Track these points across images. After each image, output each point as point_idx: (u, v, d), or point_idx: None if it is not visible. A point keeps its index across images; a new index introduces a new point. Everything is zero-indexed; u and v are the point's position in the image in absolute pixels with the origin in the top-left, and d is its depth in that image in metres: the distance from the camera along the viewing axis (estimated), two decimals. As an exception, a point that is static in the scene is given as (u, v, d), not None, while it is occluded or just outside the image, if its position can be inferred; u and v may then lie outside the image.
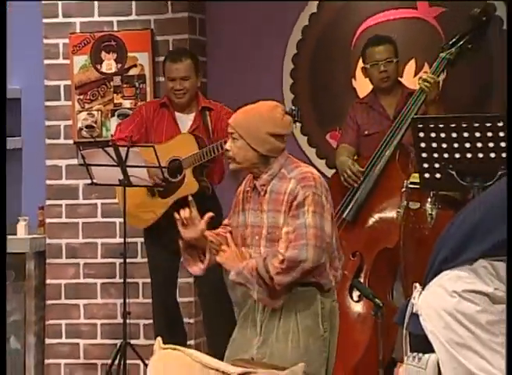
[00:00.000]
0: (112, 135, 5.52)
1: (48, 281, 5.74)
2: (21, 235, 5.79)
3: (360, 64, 5.26)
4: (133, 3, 5.60)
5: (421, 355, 2.68)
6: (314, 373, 3.42)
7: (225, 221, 3.74)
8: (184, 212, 3.58)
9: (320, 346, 3.45)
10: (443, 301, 2.65)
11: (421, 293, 2.76)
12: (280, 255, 3.44)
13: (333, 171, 5.28)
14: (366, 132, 5.03)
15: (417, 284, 2.81)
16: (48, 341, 5.76)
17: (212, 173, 5.10)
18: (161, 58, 5.52)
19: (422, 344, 2.70)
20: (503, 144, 4.01)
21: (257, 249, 3.58)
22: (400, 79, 5.12)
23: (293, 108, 4.51)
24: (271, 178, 3.59)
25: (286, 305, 3.58)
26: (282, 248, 3.52)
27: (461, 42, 4.81)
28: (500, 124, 4.01)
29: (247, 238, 3.59)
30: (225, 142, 4.87)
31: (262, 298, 3.50)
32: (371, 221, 5.01)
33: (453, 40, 4.84)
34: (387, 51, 4.94)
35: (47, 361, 5.76)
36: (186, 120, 5.12)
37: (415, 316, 2.74)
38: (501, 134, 3.99)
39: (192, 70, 5.00)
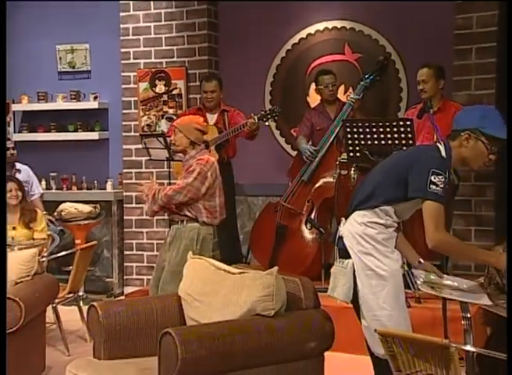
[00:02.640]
0: (162, 130, 5.76)
1: (125, 217, 5.99)
2: (109, 190, 6.09)
3: (312, 86, 5.40)
4: (175, 50, 5.83)
5: (344, 260, 2.79)
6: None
7: None
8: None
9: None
10: (355, 228, 2.78)
11: (343, 224, 2.85)
12: (165, 191, 3.83)
13: (295, 152, 5.42)
14: (318, 128, 5.17)
15: (343, 218, 2.88)
16: (125, 252, 6.00)
17: (227, 149, 5.15)
18: (193, 84, 5.74)
19: (342, 254, 2.82)
20: (395, 136, 4.13)
21: None
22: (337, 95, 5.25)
23: (273, 107, 4.81)
24: (189, 157, 3.94)
25: (177, 234, 3.87)
26: (168, 188, 3.85)
27: (372, 76, 4.98)
28: (394, 123, 4.15)
29: None
30: (235, 131, 4.97)
31: (147, 209, 3.87)
32: (318, 181, 5.12)
33: (368, 74, 5.01)
34: (332, 78, 5.13)
35: (125, 264, 6.01)
36: (212, 117, 5.19)
37: (340, 238, 2.83)
38: (395, 130, 4.13)
39: (217, 87, 5.17)
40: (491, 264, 2.66)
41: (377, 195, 2.77)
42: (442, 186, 2.61)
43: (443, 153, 2.74)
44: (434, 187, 2.61)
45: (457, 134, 2.77)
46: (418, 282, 2.81)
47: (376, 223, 2.77)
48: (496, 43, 4.86)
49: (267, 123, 4.96)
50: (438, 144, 2.80)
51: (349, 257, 2.78)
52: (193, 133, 3.94)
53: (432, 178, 2.62)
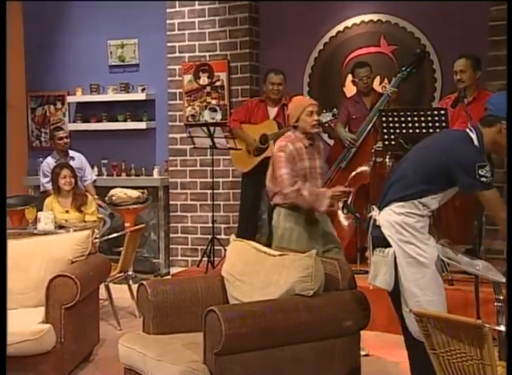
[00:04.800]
0: (205, 120, 5.76)
1: (170, 202, 6.02)
2: (155, 176, 6.11)
3: (348, 78, 5.36)
4: (218, 44, 5.82)
5: (383, 249, 2.71)
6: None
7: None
8: None
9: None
10: (393, 217, 2.72)
11: (378, 212, 2.76)
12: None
13: (332, 141, 5.40)
14: (354, 116, 5.13)
15: (374, 206, 2.83)
16: (171, 235, 6.04)
17: None
18: (234, 76, 5.71)
19: (379, 243, 2.75)
20: (430, 125, 4.06)
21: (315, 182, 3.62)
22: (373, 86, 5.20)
23: (334, 111, 4.47)
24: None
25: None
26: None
27: (409, 68, 4.94)
28: (429, 113, 4.08)
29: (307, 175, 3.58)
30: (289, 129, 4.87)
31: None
32: (356, 168, 5.11)
33: (405, 67, 4.97)
34: (367, 71, 5.07)
35: (171, 246, 6.06)
36: (272, 111, 5.07)
37: (377, 226, 2.75)
38: (429, 119, 4.06)
39: (284, 81, 5.06)
40: None
41: (414, 188, 2.71)
42: (489, 174, 2.61)
43: (476, 142, 2.68)
44: (484, 179, 2.61)
45: (497, 121, 2.66)
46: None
47: (414, 213, 2.73)
48: (506, 37, 4.73)
49: (326, 125, 4.74)
50: (469, 132, 2.71)
51: (387, 246, 2.72)
52: None
53: (480, 172, 2.60)
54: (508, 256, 2.40)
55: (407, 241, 2.71)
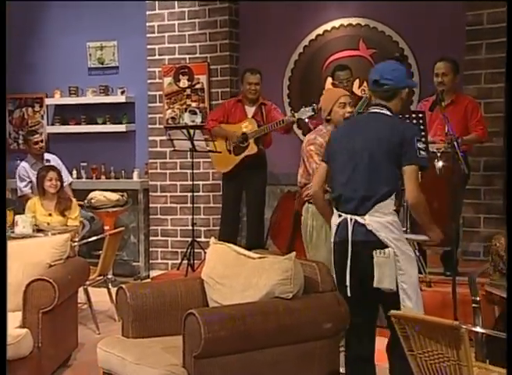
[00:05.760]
0: (185, 123, 5.74)
1: (150, 205, 6.01)
2: (135, 179, 6.11)
3: (328, 80, 5.33)
4: (198, 46, 5.81)
5: (382, 250, 2.68)
6: None
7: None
8: None
9: None
10: (385, 218, 2.74)
11: (362, 217, 2.74)
12: None
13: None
14: None
15: (349, 215, 2.77)
16: (151, 238, 6.03)
17: (264, 142, 5.03)
18: (214, 78, 5.71)
19: (377, 245, 2.71)
20: (407, 121, 3.89)
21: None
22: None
23: (313, 105, 4.61)
24: None
25: None
26: None
27: None
28: (407, 116, 4.01)
29: None
30: (274, 126, 4.78)
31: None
32: None
33: None
34: (347, 74, 5.01)
35: (150, 249, 6.03)
36: (250, 110, 5.04)
37: (368, 231, 2.70)
38: (407, 122, 3.92)
39: (260, 80, 5.01)
40: (429, 236, 2.83)
41: (385, 185, 2.74)
42: (424, 150, 2.74)
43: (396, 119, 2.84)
44: (422, 152, 2.71)
45: (398, 91, 2.81)
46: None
47: (394, 210, 2.78)
48: (506, 38, 4.80)
49: (306, 120, 4.81)
50: (387, 112, 2.80)
51: (381, 247, 2.71)
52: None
53: (418, 145, 2.70)
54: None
55: (398, 239, 2.74)
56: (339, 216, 2.81)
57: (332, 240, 2.86)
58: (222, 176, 5.28)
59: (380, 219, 2.71)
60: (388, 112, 2.80)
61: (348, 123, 3.06)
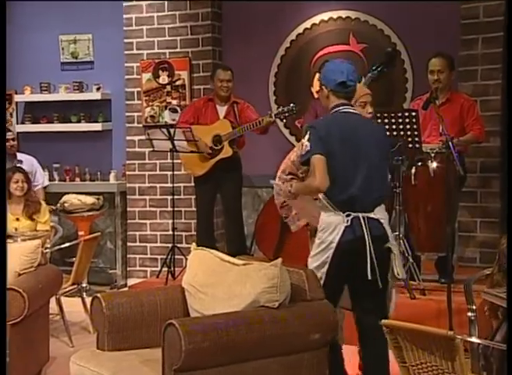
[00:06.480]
0: (165, 121, 5.76)
1: (128, 209, 6.01)
2: (112, 181, 6.09)
3: (317, 77, 5.27)
4: (178, 40, 5.81)
5: (393, 243, 2.97)
6: None
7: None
8: None
9: None
10: (385, 214, 2.99)
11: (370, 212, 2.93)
12: None
13: (300, 143, 5.81)
14: (322, 118, 5.39)
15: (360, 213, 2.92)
16: (128, 244, 6.02)
17: (238, 143, 5.05)
18: (196, 74, 5.72)
19: (382, 239, 2.92)
20: (401, 127, 4.08)
21: None
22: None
23: (291, 105, 4.68)
24: None
25: None
26: None
27: (380, 67, 4.81)
28: (399, 115, 4.09)
29: None
30: (250, 128, 4.79)
31: None
32: None
33: (375, 66, 4.83)
34: None
35: (128, 256, 6.03)
36: (222, 110, 5.03)
37: (381, 224, 2.94)
38: (399, 121, 4.07)
39: (232, 77, 5.03)
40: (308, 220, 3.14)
41: (386, 184, 3.06)
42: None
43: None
44: None
45: (355, 91, 3.09)
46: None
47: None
48: (503, 32, 4.84)
49: (284, 121, 4.84)
50: (351, 110, 3.05)
51: (383, 240, 2.93)
52: None
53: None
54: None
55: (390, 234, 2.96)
56: (348, 215, 2.90)
57: (337, 239, 2.91)
58: (194, 179, 5.30)
59: (384, 214, 2.97)
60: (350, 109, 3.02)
61: (334, 122, 3.08)
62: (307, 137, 2.95)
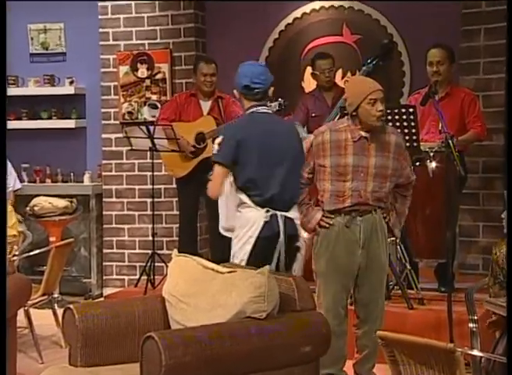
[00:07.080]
0: (144, 118, 5.78)
1: (104, 213, 6.00)
2: (86, 183, 6.09)
3: (308, 70, 5.41)
4: (158, 30, 5.83)
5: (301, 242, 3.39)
6: None
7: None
8: None
9: None
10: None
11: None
12: None
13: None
14: (313, 114, 5.16)
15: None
16: (104, 250, 6.01)
17: None
18: (178, 67, 5.74)
19: None
20: (397, 124, 4.08)
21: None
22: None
23: (280, 100, 4.57)
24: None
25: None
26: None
27: (376, 61, 4.88)
28: (396, 111, 4.12)
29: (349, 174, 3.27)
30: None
31: None
32: None
33: (371, 59, 4.90)
34: (329, 63, 5.11)
35: (104, 263, 6.03)
36: (206, 105, 5.05)
37: None
38: (396, 117, 4.11)
39: (216, 70, 5.04)
40: None
41: (297, 185, 3.43)
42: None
43: None
44: None
45: (267, 91, 3.46)
46: None
47: None
48: (507, 23, 4.89)
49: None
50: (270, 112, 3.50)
51: (295, 240, 3.44)
52: None
53: None
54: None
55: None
56: (268, 211, 3.26)
57: (256, 234, 3.26)
58: (175, 180, 5.32)
59: (297, 215, 3.33)
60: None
61: (249, 124, 3.39)
62: (219, 139, 3.25)
